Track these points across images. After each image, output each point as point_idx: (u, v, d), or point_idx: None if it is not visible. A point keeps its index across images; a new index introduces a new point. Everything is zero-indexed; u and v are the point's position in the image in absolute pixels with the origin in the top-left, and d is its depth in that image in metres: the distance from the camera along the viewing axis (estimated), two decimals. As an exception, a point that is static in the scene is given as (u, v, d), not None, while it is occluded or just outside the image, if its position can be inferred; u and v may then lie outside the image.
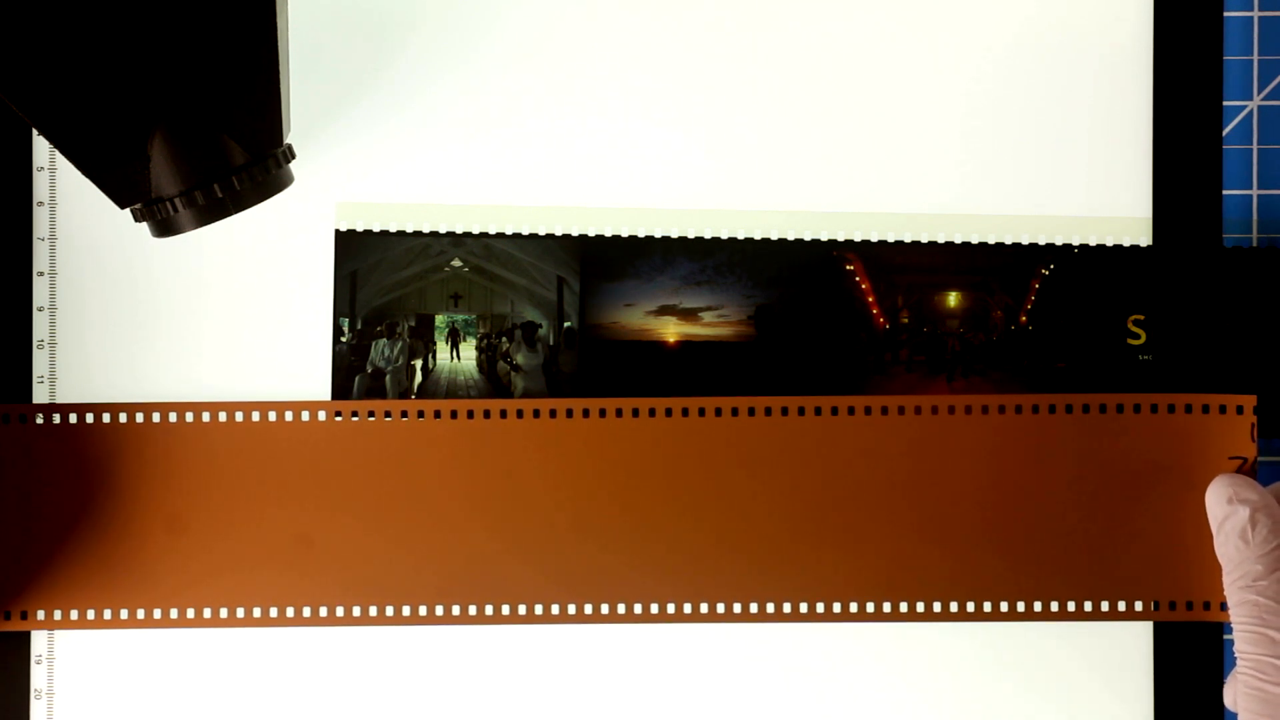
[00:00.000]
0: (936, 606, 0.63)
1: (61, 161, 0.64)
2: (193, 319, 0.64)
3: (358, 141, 0.64)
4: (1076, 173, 0.64)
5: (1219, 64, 0.64)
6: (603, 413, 0.63)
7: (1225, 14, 0.64)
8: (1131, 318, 0.64)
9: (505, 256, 0.64)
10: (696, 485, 0.63)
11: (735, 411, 0.63)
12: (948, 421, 0.63)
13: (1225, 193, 0.64)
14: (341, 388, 0.64)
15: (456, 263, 0.64)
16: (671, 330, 0.64)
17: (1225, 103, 0.64)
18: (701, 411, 0.63)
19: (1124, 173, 0.64)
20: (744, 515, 0.63)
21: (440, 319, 0.65)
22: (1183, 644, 0.63)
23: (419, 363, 0.64)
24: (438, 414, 0.63)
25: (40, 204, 0.64)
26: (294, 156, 0.60)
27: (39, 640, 0.64)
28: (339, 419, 0.63)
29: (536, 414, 0.63)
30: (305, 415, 0.63)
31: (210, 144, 0.57)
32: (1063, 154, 0.64)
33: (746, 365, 0.64)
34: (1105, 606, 0.63)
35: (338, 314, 0.64)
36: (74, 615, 0.63)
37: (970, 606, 0.63)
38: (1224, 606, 0.62)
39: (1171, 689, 0.63)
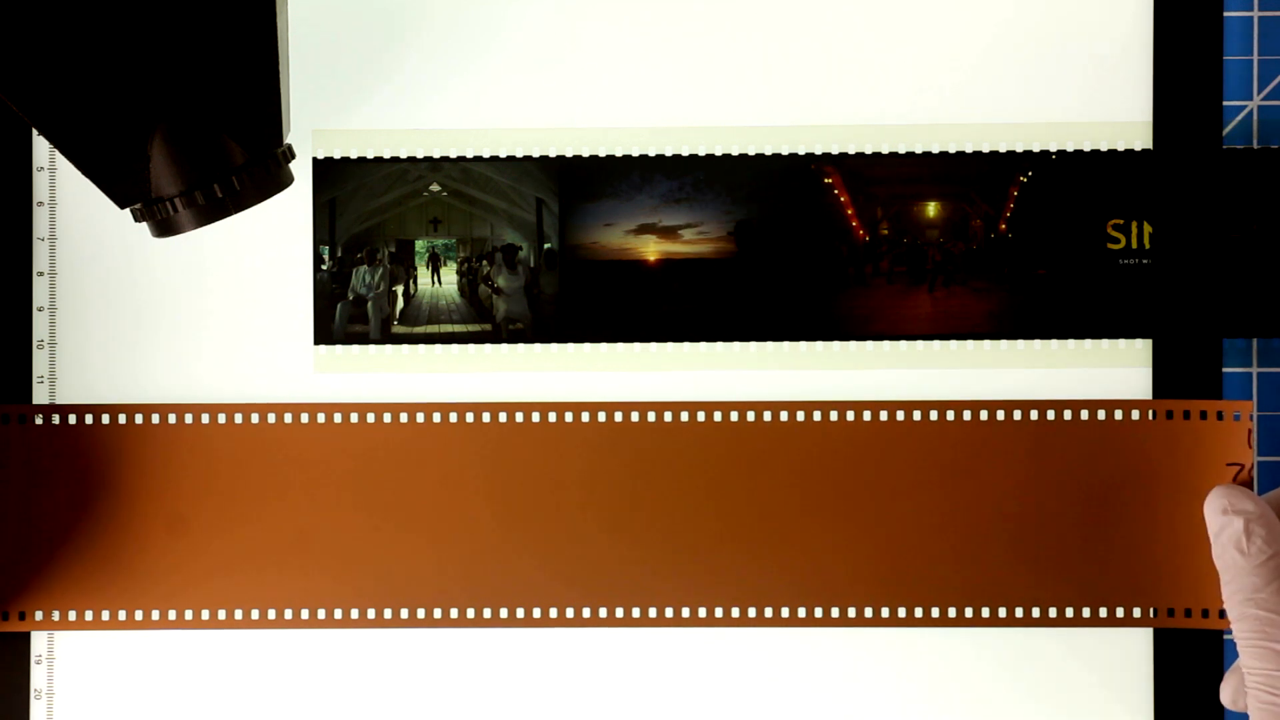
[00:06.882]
0: (935, 612, 0.63)
1: (61, 161, 0.64)
2: (193, 319, 0.64)
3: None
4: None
5: (1219, 64, 0.64)
6: (603, 415, 0.63)
7: (1225, 14, 0.64)
8: (1111, 222, 0.64)
9: (483, 180, 0.64)
10: (700, 487, 0.63)
11: (733, 415, 0.63)
12: (948, 427, 0.63)
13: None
14: (324, 315, 0.64)
15: (435, 187, 0.64)
16: (652, 249, 0.64)
17: (1225, 103, 0.64)
18: (701, 415, 0.63)
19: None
20: (745, 517, 0.63)
21: (420, 244, 0.65)
22: (1183, 650, 0.63)
23: (400, 288, 0.64)
24: (438, 415, 0.63)
25: (40, 204, 0.64)
26: (294, 156, 0.60)
27: (39, 640, 0.64)
28: (339, 420, 0.63)
29: (537, 416, 0.63)
30: (305, 417, 0.63)
31: (210, 144, 0.57)
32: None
33: (728, 281, 0.64)
34: (1104, 612, 0.63)
35: (317, 242, 0.64)
36: (73, 616, 0.63)
37: (969, 612, 0.63)
38: (1223, 614, 0.62)
39: (1172, 695, 0.63)
